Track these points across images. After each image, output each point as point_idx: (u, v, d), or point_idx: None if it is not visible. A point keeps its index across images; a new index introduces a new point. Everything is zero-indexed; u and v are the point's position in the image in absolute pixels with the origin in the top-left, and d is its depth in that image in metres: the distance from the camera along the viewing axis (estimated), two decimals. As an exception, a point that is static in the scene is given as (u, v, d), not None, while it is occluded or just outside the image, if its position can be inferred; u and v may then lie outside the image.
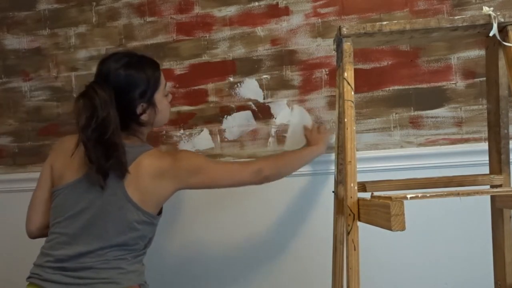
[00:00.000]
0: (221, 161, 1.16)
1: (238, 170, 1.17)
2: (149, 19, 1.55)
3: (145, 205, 1.07)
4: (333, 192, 1.13)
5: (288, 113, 1.45)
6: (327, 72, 1.45)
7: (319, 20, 1.45)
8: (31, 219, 1.16)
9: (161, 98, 1.14)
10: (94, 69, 1.56)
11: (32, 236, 1.17)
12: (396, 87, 1.42)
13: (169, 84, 1.53)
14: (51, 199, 1.11)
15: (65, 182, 1.09)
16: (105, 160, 1.02)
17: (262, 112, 1.49)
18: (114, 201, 1.05)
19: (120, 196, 1.05)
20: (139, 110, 1.10)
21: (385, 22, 0.92)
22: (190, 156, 1.12)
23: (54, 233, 1.08)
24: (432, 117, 1.40)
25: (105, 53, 1.07)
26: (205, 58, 1.52)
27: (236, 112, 1.50)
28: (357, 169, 0.89)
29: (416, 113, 1.41)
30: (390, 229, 0.74)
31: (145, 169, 1.06)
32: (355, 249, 0.86)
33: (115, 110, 1.04)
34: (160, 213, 1.14)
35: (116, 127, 1.03)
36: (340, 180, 1.09)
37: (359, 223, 0.86)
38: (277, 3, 1.48)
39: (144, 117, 1.11)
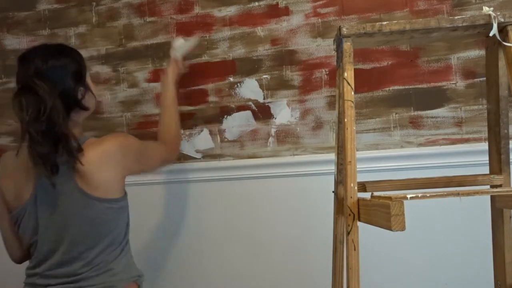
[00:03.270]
0: (146, 143, 1.18)
1: (160, 150, 1.23)
2: (149, 19, 1.55)
3: (104, 194, 1.03)
4: (333, 192, 1.13)
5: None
6: (327, 72, 1.45)
7: (319, 20, 1.45)
8: (11, 254, 1.14)
9: (90, 82, 1.14)
10: (94, 69, 1.58)
11: (18, 262, 1.15)
12: (396, 87, 1.42)
13: (169, 84, 1.53)
14: (15, 222, 1.08)
15: (23, 201, 1.05)
16: (55, 152, 0.99)
17: (262, 112, 1.49)
18: (75, 202, 1.02)
19: (78, 195, 1.01)
20: (80, 95, 1.07)
21: (385, 22, 0.92)
22: (126, 139, 1.09)
23: (33, 254, 1.07)
24: (432, 117, 1.40)
25: (24, 50, 1.07)
26: (205, 58, 1.52)
27: (236, 112, 1.50)
28: (357, 169, 0.89)
29: (416, 113, 1.41)
30: (390, 229, 0.74)
31: (89, 161, 1.01)
32: (355, 249, 0.86)
33: (59, 100, 1.00)
34: (125, 193, 1.12)
35: (64, 117, 1.00)
36: (340, 180, 1.09)
37: (359, 223, 0.86)
38: (277, 3, 1.48)
39: (84, 102, 1.09)
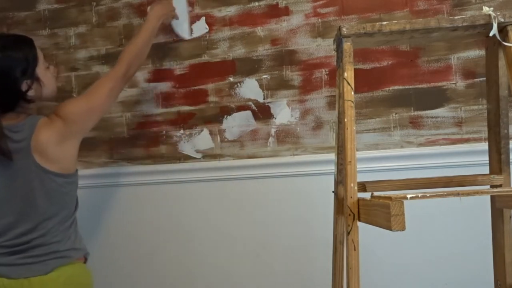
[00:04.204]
0: (93, 87, 1.22)
1: (108, 87, 1.21)
2: (149, 19, 1.55)
3: (64, 169, 1.13)
4: (333, 192, 1.13)
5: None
6: (327, 72, 1.45)
7: (319, 20, 1.45)
8: None
9: (43, 72, 1.18)
10: (94, 69, 1.58)
11: None
12: (396, 87, 1.42)
13: (169, 84, 1.54)
14: None
15: None
16: None
17: (262, 112, 1.49)
18: (33, 178, 1.08)
19: (37, 171, 1.08)
20: (24, 87, 1.13)
21: (385, 22, 0.92)
22: (74, 107, 1.15)
23: None
24: (432, 117, 1.40)
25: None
26: (205, 58, 1.52)
27: (236, 112, 1.50)
28: (357, 169, 0.89)
29: (416, 113, 1.41)
30: (390, 229, 0.74)
31: (46, 140, 1.10)
32: (355, 249, 0.85)
33: None
34: (76, 169, 1.20)
35: None
36: (340, 180, 1.09)
37: (359, 223, 0.86)
38: (277, 3, 1.48)
39: (31, 93, 1.14)
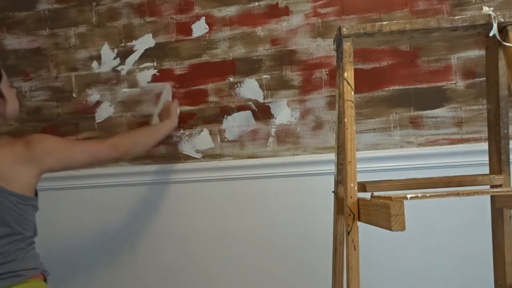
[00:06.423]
0: (78, 140, 1.24)
1: (93, 146, 1.24)
2: (149, 19, 1.55)
3: (17, 189, 1.12)
4: (333, 192, 1.13)
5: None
6: (327, 72, 1.45)
7: (319, 20, 1.45)
8: None
9: (7, 89, 1.20)
10: (94, 69, 1.58)
11: None
12: (396, 87, 1.42)
13: (169, 84, 1.54)
14: None
15: None
16: None
17: (262, 112, 1.49)
18: None
19: None
20: None
21: (385, 22, 0.92)
22: (43, 138, 1.17)
23: None
24: (432, 117, 1.41)
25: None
26: (205, 58, 1.52)
27: (236, 112, 1.50)
28: (357, 169, 0.89)
29: (416, 113, 1.41)
30: (390, 229, 0.74)
31: (1, 158, 1.11)
32: (355, 249, 0.85)
33: None
34: (36, 194, 1.19)
35: None
36: (340, 180, 1.09)
37: (359, 223, 0.86)
38: (277, 3, 1.48)
39: None
